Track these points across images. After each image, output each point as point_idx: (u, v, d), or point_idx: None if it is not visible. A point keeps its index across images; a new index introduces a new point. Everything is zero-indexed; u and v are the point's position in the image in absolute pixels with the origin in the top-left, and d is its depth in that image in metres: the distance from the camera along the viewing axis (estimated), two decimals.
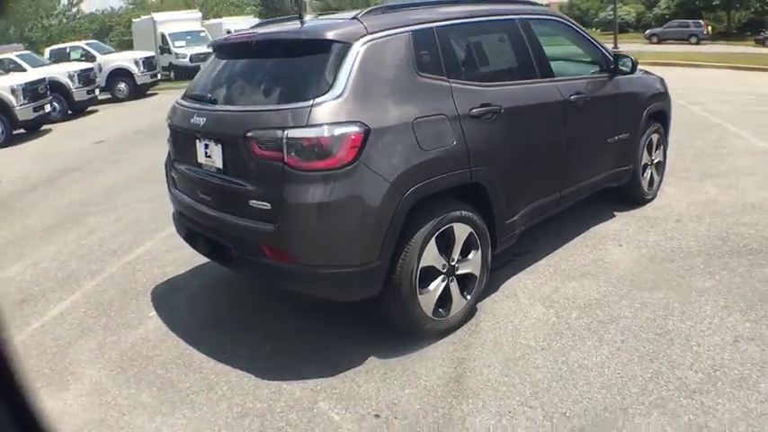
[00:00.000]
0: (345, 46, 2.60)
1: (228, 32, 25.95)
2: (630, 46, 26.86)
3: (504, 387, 2.56)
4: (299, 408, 2.52)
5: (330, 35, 2.63)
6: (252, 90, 2.87)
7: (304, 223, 2.54)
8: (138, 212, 5.56)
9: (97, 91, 14.93)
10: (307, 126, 2.46)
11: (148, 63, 17.39)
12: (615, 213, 4.52)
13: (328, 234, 2.56)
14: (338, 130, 2.47)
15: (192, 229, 3.21)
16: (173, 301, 3.63)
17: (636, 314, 3.10)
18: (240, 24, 27.40)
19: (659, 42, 33.44)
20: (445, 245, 2.85)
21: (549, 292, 3.38)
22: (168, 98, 18.73)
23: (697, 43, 31.84)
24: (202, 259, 4.14)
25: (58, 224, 5.37)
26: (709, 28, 35.63)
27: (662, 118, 4.73)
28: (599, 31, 48.46)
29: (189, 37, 21.20)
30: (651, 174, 4.69)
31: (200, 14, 24.83)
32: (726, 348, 2.76)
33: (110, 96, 16.57)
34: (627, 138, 4.19)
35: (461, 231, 2.89)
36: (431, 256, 2.77)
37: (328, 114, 2.48)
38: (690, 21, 35.46)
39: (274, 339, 3.07)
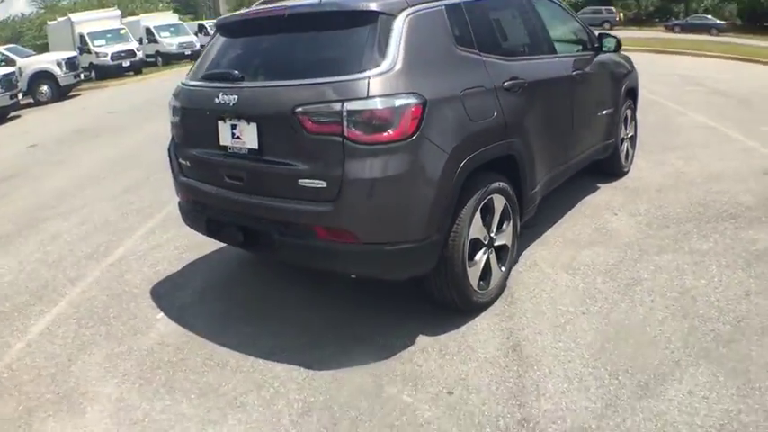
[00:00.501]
0: (390, 18, 2.53)
1: (148, 30, 25.60)
2: None
3: (562, 352, 2.60)
4: (365, 395, 2.42)
5: (374, 6, 2.53)
6: (290, 65, 2.72)
7: (367, 199, 2.44)
8: (104, 213, 5.13)
9: (20, 95, 13.85)
10: (368, 98, 2.37)
11: (71, 64, 16.44)
12: (599, 185, 4.73)
13: (391, 209, 2.47)
14: (399, 102, 2.40)
15: (214, 218, 2.99)
16: (179, 300, 3.37)
17: (654, 276, 3.24)
18: (159, 21, 27.11)
19: None
20: (485, 217, 2.85)
21: (568, 261, 3.47)
22: (95, 97, 17.75)
23: (610, 29, 33.81)
24: (195, 254, 3.96)
25: (11, 233, 4.82)
26: (620, 14, 38.12)
27: (633, 94, 4.98)
28: None
29: (109, 35, 21.23)
30: (627, 147, 4.94)
31: (118, 12, 24.34)
32: (741, 302, 2.95)
33: (31, 101, 15.43)
34: (611, 112, 4.39)
35: (499, 203, 2.91)
36: (476, 229, 2.78)
37: (387, 86, 2.40)
38: (603, 7, 37.69)
39: (311, 329, 2.93)
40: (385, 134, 2.39)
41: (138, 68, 21.24)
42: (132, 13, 30.56)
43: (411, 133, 2.40)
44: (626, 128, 4.84)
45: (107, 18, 22.63)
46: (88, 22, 21.90)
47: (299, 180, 2.52)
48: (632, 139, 5.07)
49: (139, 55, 21.40)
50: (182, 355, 2.81)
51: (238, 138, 2.74)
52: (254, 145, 2.68)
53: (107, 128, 10.05)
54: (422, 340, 2.74)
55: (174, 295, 3.44)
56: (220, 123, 2.80)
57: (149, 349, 2.89)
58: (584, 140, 4.01)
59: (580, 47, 4.20)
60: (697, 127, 6.74)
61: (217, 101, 2.76)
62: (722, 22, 34.29)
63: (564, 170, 3.74)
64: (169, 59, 24.37)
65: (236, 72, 2.79)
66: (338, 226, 2.50)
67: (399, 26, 2.52)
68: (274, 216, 2.67)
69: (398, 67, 2.45)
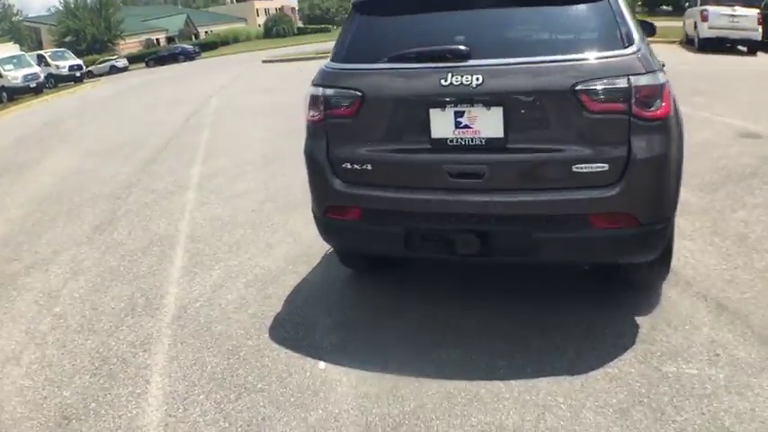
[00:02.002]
0: None
1: None
2: None
3: None
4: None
5: None
6: (523, 40, 2.43)
7: (649, 178, 2.27)
8: (95, 259, 4.05)
9: None
10: (647, 73, 2.24)
11: None
12: None
13: (664, 187, 2.35)
14: (663, 79, 2.30)
15: (421, 229, 2.50)
16: (324, 341, 2.71)
17: None
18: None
19: None
20: None
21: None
22: (12, 118, 15.62)
23: None
24: (277, 286, 3.31)
25: None
26: None
27: None
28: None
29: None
30: None
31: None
32: None
33: None
34: None
35: None
36: None
37: (650, 63, 2.29)
38: None
39: (514, 340, 2.54)
40: (658, 111, 2.26)
41: None
42: None
43: (668, 111, 2.31)
44: None
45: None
46: None
47: (574, 166, 2.22)
48: None
49: None
50: (415, 403, 2.21)
51: (467, 126, 2.32)
52: (498, 133, 2.30)
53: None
54: (644, 333, 2.51)
55: (310, 338, 2.75)
56: (434, 111, 2.36)
57: (361, 411, 2.21)
58: None
59: None
60: None
61: (444, 83, 2.32)
62: None
63: None
64: (14, 94, 21.15)
65: (465, 48, 2.33)
66: (621, 210, 2.27)
67: (621, 3, 2.42)
68: (535, 211, 2.31)
69: (644, 44, 2.35)
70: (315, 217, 2.85)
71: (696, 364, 2.25)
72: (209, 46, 45.80)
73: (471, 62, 2.33)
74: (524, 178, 2.35)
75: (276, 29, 52.93)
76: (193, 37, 53.90)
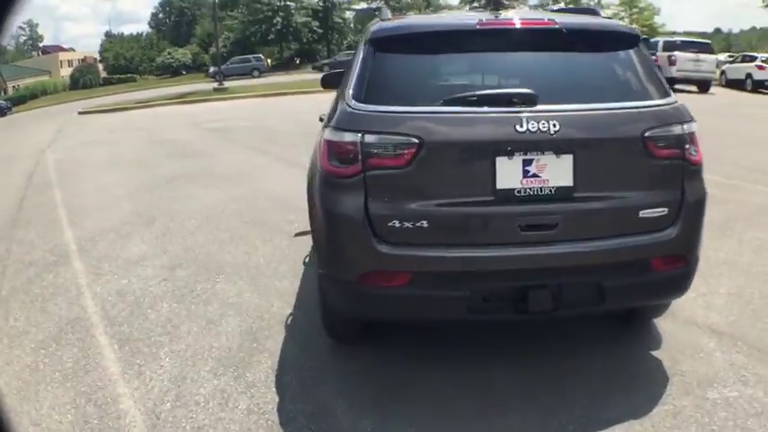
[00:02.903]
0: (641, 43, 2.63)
1: None
2: (197, 85, 29.95)
3: None
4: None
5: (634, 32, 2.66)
6: (578, 85, 2.44)
7: (697, 220, 2.44)
8: (3, 356, 3.06)
9: None
10: (692, 121, 2.44)
11: None
12: None
13: (702, 228, 2.50)
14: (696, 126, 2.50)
15: (487, 289, 2.33)
16: (357, 426, 2.34)
17: None
18: None
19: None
20: None
21: None
22: None
23: (259, 76, 35.64)
24: (260, 373, 2.82)
25: None
26: (268, 61, 40.81)
27: None
28: (155, 76, 49.24)
29: None
30: None
31: None
32: None
33: None
34: None
35: None
36: None
37: (687, 110, 2.49)
38: (251, 56, 39.66)
39: (542, 393, 2.50)
40: (698, 156, 2.46)
41: None
42: None
43: (702, 155, 2.53)
44: None
45: None
46: None
47: (641, 211, 2.28)
48: None
49: None
50: None
51: (535, 175, 2.25)
52: (567, 181, 2.26)
53: None
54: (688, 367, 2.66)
55: (339, 427, 2.37)
56: (501, 160, 2.24)
57: None
58: None
59: None
60: None
61: (520, 129, 2.22)
62: (262, 62, 38.74)
63: None
64: None
65: (535, 93, 2.25)
66: (676, 251, 2.40)
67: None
68: (605, 260, 2.31)
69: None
70: (335, 284, 2.50)
71: (733, 387, 2.43)
72: (20, 100, 41.17)
73: (542, 107, 2.27)
74: (594, 226, 2.35)
75: (83, 80, 49.36)
76: (2, 92, 47.92)
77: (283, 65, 43.27)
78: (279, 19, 43.77)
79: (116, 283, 4.01)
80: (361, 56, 2.54)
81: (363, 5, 46.65)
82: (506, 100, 2.32)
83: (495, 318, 2.55)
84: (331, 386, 2.65)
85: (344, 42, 46.66)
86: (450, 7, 46.10)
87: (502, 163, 2.25)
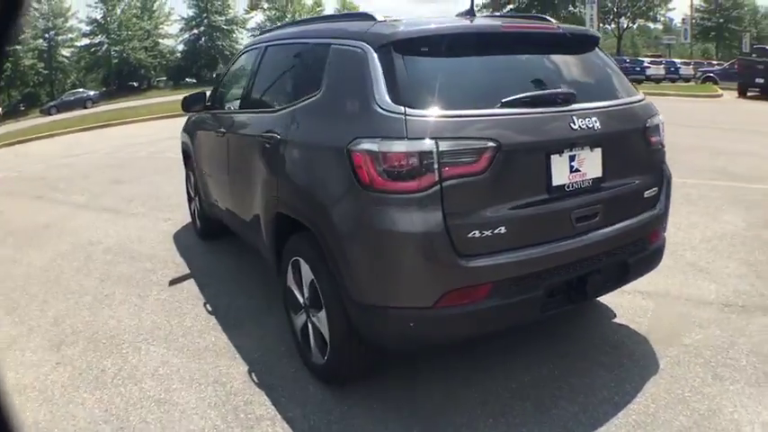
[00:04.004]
0: None
1: None
2: None
3: None
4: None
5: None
6: (586, 85, 2.73)
7: (669, 196, 2.93)
8: None
9: None
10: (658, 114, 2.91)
11: None
12: None
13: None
14: None
15: (557, 283, 2.46)
16: None
17: None
18: None
19: None
20: None
21: None
22: None
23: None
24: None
25: None
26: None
27: None
28: None
29: None
30: None
31: None
32: None
33: None
34: None
35: None
36: None
37: None
38: None
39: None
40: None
41: None
42: None
43: None
44: None
45: None
46: None
47: (645, 192, 2.72)
48: None
49: None
50: None
51: (577, 170, 2.44)
52: (598, 172, 2.53)
53: None
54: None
55: None
56: (554, 157, 2.38)
57: None
58: None
59: None
60: None
61: (574, 126, 2.39)
62: (96, 92, 36.44)
63: None
64: None
65: (574, 92, 2.52)
66: (660, 225, 2.89)
67: None
68: (628, 239, 2.68)
69: None
70: (398, 315, 2.28)
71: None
72: None
73: (580, 105, 2.48)
74: (620, 210, 2.62)
75: None
76: None
77: (11, 112, 36.86)
78: (9, 65, 37.49)
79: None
80: (374, 60, 2.39)
81: (86, 41, 42.57)
82: (554, 100, 2.46)
83: (561, 311, 2.59)
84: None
85: (68, 81, 42.10)
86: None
87: (555, 161, 2.38)
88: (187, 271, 4.76)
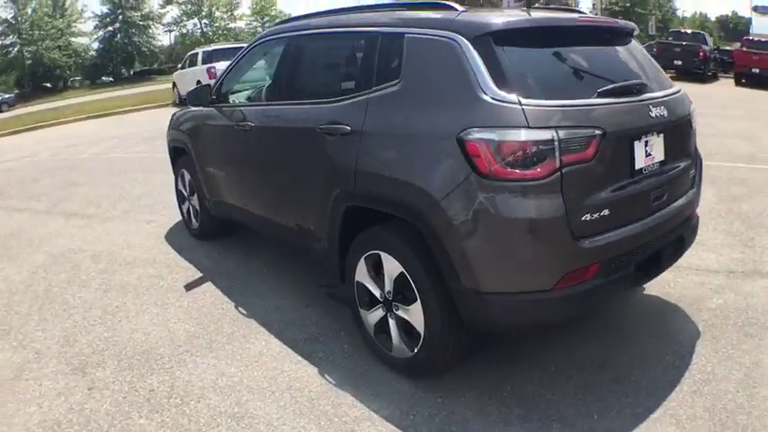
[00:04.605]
0: None
1: None
2: None
3: None
4: None
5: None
6: (642, 74, 2.81)
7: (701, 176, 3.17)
8: None
9: None
10: None
11: None
12: None
13: None
14: None
15: (649, 258, 2.66)
16: None
17: None
18: None
19: None
20: None
21: None
22: None
23: None
24: None
25: None
26: None
27: None
28: None
29: None
30: None
31: None
32: None
33: None
34: None
35: None
36: None
37: None
38: None
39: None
40: None
41: None
42: None
43: None
44: None
45: None
46: None
47: (690, 172, 2.89)
48: None
49: None
50: None
51: (649, 154, 2.60)
52: (661, 156, 2.68)
53: None
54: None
55: None
56: (636, 144, 2.53)
57: None
58: None
59: None
60: None
61: (652, 115, 2.57)
62: (11, 95, 33.82)
63: None
64: None
65: (645, 83, 2.71)
66: (697, 204, 3.05)
67: None
68: (682, 216, 2.85)
69: None
70: (516, 299, 2.35)
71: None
72: None
73: (652, 95, 2.66)
74: (678, 189, 2.83)
75: None
76: None
77: None
78: None
79: (23, 417, 2.71)
80: (470, 51, 2.40)
81: None
82: (635, 90, 2.63)
83: (641, 285, 2.96)
84: None
85: None
86: None
87: (636, 146, 2.53)
88: (199, 274, 4.32)
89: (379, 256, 2.76)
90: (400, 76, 2.68)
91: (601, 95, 2.45)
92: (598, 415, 2.49)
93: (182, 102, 19.90)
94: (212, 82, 17.03)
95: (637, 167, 2.55)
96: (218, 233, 4.96)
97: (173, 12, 52.01)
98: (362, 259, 2.88)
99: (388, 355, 2.87)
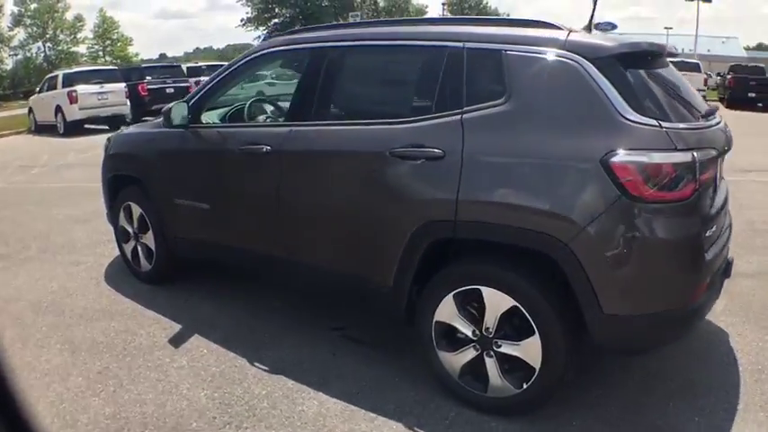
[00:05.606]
0: None
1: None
2: None
3: None
4: None
5: None
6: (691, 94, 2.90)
7: None
8: None
9: None
10: None
11: None
12: None
13: None
14: None
15: (725, 269, 2.78)
16: None
17: None
18: None
19: None
20: None
21: None
22: None
23: None
24: None
25: None
26: None
27: None
28: None
29: None
30: None
31: None
32: None
33: None
34: None
35: None
36: None
37: None
38: None
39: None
40: None
41: None
42: None
43: None
44: None
45: None
46: None
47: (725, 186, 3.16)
48: None
49: None
50: None
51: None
52: (720, 173, 2.93)
53: None
54: None
55: None
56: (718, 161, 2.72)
57: None
58: None
59: None
60: None
61: (725, 136, 2.76)
62: None
63: None
64: None
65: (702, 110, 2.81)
66: None
67: None
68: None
69: None
70: (655, 318, 2.39)
71: None
72: None
73: (718, 119, 2.83)
74: (726, 202, 3.03)
75: None
76: None
77: None
78: None
79: None
80: (595, 72, 2.39)
81: None
82: (710, 113, 2.77)
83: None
84: None
85: None
86: None
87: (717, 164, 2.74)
88: (178, 326, 3.74)
89: (478, 291, 2.58)
90: (506, 95, 2.54)
91: (702, 118, 2.63)
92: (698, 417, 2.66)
93: (38, 128, 17.52)
94: (75, 107, 15.40)
95: (717, 183, 2.78)
96: (176, 276, 4.38)
97: (20, 34, 51.98)
98: (450, 296, 2.66)
99: (481, 397, 2.68)
